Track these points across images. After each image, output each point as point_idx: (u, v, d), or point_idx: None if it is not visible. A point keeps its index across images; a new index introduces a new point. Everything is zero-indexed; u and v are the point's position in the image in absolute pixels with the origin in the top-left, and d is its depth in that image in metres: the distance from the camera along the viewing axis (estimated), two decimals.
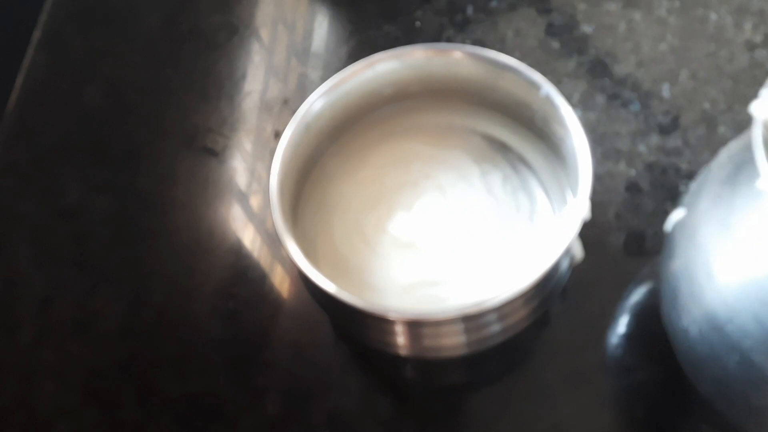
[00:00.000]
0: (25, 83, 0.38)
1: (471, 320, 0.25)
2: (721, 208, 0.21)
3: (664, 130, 0.33)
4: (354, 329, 0.28)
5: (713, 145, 0.33)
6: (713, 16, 0.36)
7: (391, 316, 0.24)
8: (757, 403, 0.21)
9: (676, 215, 0.24)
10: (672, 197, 0.32)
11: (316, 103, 0.28)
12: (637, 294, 0.30)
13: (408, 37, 0.37)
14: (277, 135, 0.35)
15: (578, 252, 0.26)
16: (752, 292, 0.19)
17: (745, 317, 0.20)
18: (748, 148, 0.20)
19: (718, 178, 0.22)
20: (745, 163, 0.20)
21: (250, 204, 0.34)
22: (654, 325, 0.29)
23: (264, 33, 0.38)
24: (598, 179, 0.32)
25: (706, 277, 0.21)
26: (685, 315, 0.22)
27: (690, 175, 0.32)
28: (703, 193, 0.22)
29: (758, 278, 0.19)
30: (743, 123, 0.33)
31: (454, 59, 0.28)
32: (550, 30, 0.36)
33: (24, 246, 0.34)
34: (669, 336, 0.24)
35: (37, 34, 0.39)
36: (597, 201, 0.32)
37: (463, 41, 0.36)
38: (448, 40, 0.36)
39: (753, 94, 0.20)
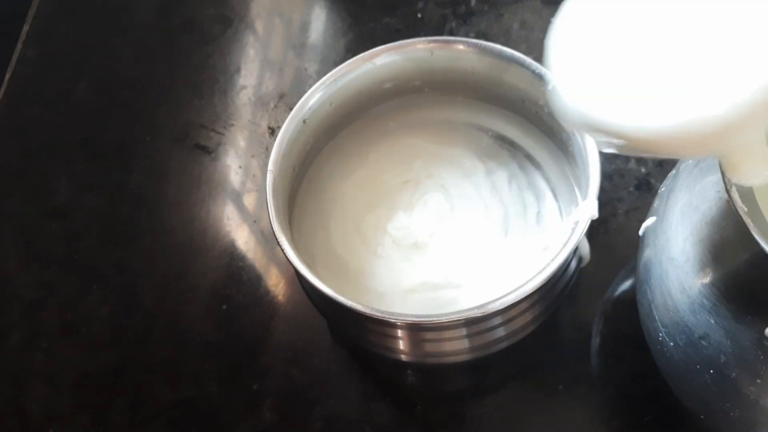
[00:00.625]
0: (14, 78, 0.37)
1: (474, 324, 0.24)
2: (691, 217, 0.20)
3: None
4: (353, 333, 0.27)
5: None
6: None
7: (392, 319, 0.24)
8: (738, 416, 0.21)
9: (648, 222, 0.23)
10: None
11: (313, 98, 0.27)
12: None
13: (409, 29, 0.36)
14: (273, 131, 0.35)
15: (586, 253, 0.25)
16: (724, 308, 0.19)
17: (719, 333, 0.19)
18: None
19: (687, 185, 0.21)
20: (712, 171, 0.19)
21: (245, 203, 0.33)
22: None
23: (259, 26, 0.38)
24: (608, 177, 0.31)
25: (679, 291, 0.20)
26: (661, 327, 0.21)
27: None
28: (672, 199, 0.21)
29: (731, 294, 0.19)
30: None
31: (457, 53, 0.28)
32: None
33: (13, 246, 0.33)
34: (648, 344, 0.23)
35: (26, 29, 0.39)
36: (606, 200, 0.31)
37: (466, 34, 0.36)
38: (451, 32, 0.36)
39: None
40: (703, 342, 0.20)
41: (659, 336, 0.22)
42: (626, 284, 0.29)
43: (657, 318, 0.22)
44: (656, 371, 0.27)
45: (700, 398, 0.22)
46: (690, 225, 0.20)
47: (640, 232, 0.23)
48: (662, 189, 0.23)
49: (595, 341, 0.29)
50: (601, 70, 0.17)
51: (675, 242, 0.21)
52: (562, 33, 0.18)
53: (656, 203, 0.23)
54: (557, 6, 0.38)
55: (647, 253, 0.22)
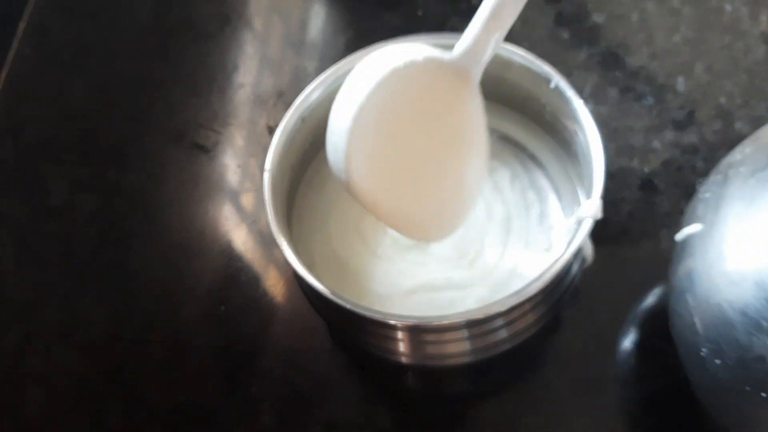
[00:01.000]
0: (10, 77, 0.37)
1: (476, 326, 0.24)
2: (748, 232, 0.19)
3: (679, 126, 0.32)
4: (352, 335, 0.27)
5: (729, 142, 0.31)
6: (728, 7, 0.35)
7: (392, 321, 0.23)
8: None
9: (691, 229, 0.22)
10: (687, 196, 0.30)
11: (312, 95, 0.27)
12: (652, 297, 0.29)
13: (409, 26, 0.35)
14: (271, 130, 0.34)
15: (589, 254, 0.25)
16: None
17: None
18: None
19: (742, 195, 0.20)
20: None
21: (243, 203, 0.33)
22: (670, 332, 0.27)
23: (258, 23, 0.37)
24: (611, 177, 0.31)
25: (733, 308, 0.19)
26: (706, 343, 0.20)
27: (706, 173, 0.31)
28: (724, 209, 0.20)
29: None
30: (760, 118, 0.32)
31: None
32: (560, 19, 0.35)
33: (7, 247, 0.33)
34: (681, 358, 0.22)
35: (22, 26, 0.38)
36: (609, 199, 0.30)
37: None
38: (453, 29, 0.35)
39: None
40: (758, 364, 0.19)
41: (701, 352, 0.20)
42: (634, 286, 0.29)
43: (701, 333, 0.20)
44: (660, 374, 0.27)
45: (742, 418, 0.21)
46: (748, 240, 0.19)
47: (678, 238, 0.22)
48: (707, 195, 0.22)
49: (599, 343, 0.28)
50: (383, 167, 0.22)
51: (729, 257, 0.19)
52: (360, 133, 0.22)
53: (699, 209, 0.22)
54: (560, 3, 0.38)
55: (690, 263, 0.21)
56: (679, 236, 0.22)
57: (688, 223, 0.22)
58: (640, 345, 0.28)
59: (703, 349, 0.20)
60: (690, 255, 0.21)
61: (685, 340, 0.22)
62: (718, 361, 0.20)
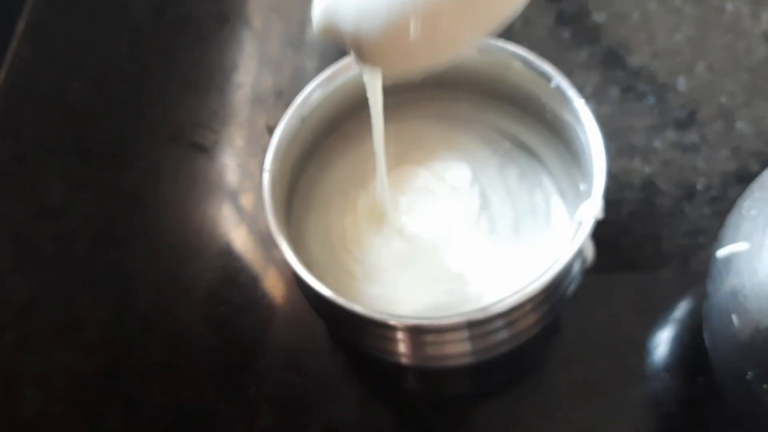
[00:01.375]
0: (9, 77, 0.37)
1: (476, 327, 0.24)
2: None
3: (680, 125, 0.32)
4: (352, 336, 0.27)
5: (731, 142, 0.31)
6: (729, 7, 0.35)
7: (392, 322, 0.23)
8: None
9: (737, 247, 0.21)
10: (689, 196, 0.30)
11: (312, 94, 0.27)
12: (654, 298, 0.29)
13: None
14: (271, 129, 0.34)
15: (590, 254, 0.25)
16: None
17: None
18: None
19: None
20: None
21: (242, 203, 0.33)
22: (672, 333, 0.27)
23: (257, 22, 0.37)
24: (612, 176, 0.30)
25: None
26: (752, 366, 0.20)
27: (707, 173, 0.31)
28: None
29: None
30: (762, 118, 0.32)
31: None
32: (561, 18, 0.35)
33: (5, 247, 0.33)
34: (720, 377, 0.22)
35: (21, 26, 0.38)
36: (610, 199, 0.30)
37: None
38: None
39: None
40: None
41: (747, 375, 0.20)
42: (635, 286, 0.29)
43: (748, 356, 0.20)
44: (662, 376, 0.27)
45: None
46: None
47: (721, 255, 0.22)
48: (752, 212, 0.21)
49: (600, 345, 0.28)
50: None
51: None
52: None
53: (745, 227, 0.21)
54: (561, 2, 0.38)
55: (736, 283, 0.21)
56: (722, 253, 0.22)
57: (732, 241, 0.21)
58: (639, 346, 0.28)
59: (749, 373, 0.20)
60: (736, 274, 0.21)
61: (727, 361, 0.21)
62: (765, 386, 0.20)
